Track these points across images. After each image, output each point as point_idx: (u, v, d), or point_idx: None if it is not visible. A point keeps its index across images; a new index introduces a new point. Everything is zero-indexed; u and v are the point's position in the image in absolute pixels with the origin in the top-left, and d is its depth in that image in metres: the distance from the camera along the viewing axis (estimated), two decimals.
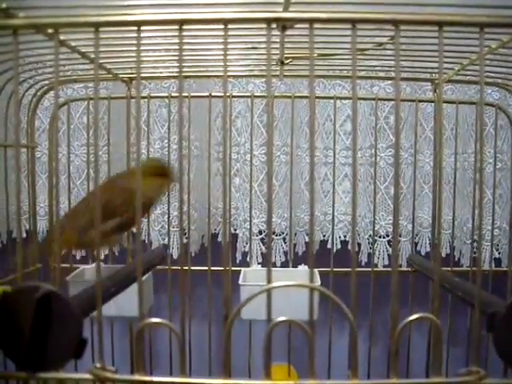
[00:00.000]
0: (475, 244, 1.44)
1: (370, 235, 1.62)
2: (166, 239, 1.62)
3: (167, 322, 0.67)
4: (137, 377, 0.67)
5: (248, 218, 1.48)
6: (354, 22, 0.65)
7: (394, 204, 0.72)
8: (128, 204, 1.14)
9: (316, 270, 1.29)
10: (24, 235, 1.44)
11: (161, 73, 1.27)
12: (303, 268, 1.37)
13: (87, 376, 0.68)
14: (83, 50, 0.98)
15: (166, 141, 1.54)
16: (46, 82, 1.24)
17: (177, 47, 0.69)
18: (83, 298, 0.77)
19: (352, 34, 0.67)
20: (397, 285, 0.67)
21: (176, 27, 0.67)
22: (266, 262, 0.69)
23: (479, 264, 0.76)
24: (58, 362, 0.67)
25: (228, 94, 1.38)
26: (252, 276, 1.30)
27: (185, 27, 0.67)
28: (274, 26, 0.71)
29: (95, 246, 0.73)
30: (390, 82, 1.61)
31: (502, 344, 0.67)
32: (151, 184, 1.16)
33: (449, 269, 1.37)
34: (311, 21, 0.66)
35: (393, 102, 1.62)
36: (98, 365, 0.68)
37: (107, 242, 1.20)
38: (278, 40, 0.93)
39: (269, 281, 0.66)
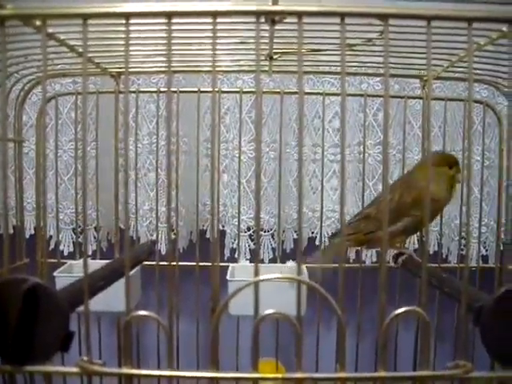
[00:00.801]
0: (463, 241, 1.44)
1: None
2: (155, 235, 1.62)
3: (154, 315, 0.66)
4: (124, 370, 0.66)
5: (236, 215, 1.48)
6: (342, 16, 0.65)
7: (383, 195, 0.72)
8: (418, 204, 1.17)
9: (304, 266, 1.29)
10: (11, 231, 1.43)
11: (149, 67, 1.27)
12: (291, 264, 1.37)
13: (74, 369, 0.68)
14: (72, 44, 0.98)
15: (155, 137, 1.53)
16: (34, 76, 1.23)
17: (166, 41, 0.68)
18: (70, 292, 0.77)
19: (341, 27, 0.67)
20: (385, 277, 0.67)
21: (164, 20, 0.67)
22: (254, 256, 0.69)
23: (467, 254, 0.76)
24: (45, 355, 0.67)
25: (217, 90, 1.38)
26: (240, 272, 1.30)
27: (173, 21, 0.67)
28: (262, 19, 0.71)
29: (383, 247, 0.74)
30: (378, 79, 1.62)
31: (488, 337, 0.67)
32: (441, 184, 1.19)
33: (436, 265, 1.37)
34: (300, 14, 0.65)
35: (381, 99, 1.62)
36: (85, 358, 0.68)
37: (394, 242, 1.23)
38: (267, 35, 0.93)
39: (256, 274, 0.66)
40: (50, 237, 1.66)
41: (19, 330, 0.65)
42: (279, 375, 0.67)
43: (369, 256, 1.66)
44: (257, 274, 0.66)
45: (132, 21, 0.68)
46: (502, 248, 1.35)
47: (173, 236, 1.52)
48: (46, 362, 0.68)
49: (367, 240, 1.24)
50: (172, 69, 0.74)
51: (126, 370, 0.66)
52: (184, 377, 0.68)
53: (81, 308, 0.72)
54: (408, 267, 1.24)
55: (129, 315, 0.66)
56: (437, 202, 1.18)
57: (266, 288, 0.67)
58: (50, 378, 1.03)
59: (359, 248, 1.36)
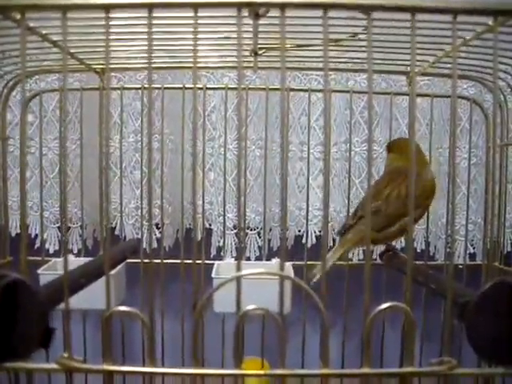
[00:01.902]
0: (450, 239, 1.44)
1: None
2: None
3: (134, 310, 0.66)
4: (105, 366, 0.65)
5: (222, 213, 1.47)
6: (325, 7, 0.65)
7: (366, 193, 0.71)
8: (427, 192, 1.21)
9: (289, 264, 1.29)
10: None
11: (133, 64, 1.26)
12: (276, 261, 1.37)
13: (54, 366, 0.67)
14: (54, 39, 0.97)
15: (140, 134, 1.52)
16: (18, 71, 1.22)
17: (147, 36, 0.67)
18: (51, 288, 0.76)
19: (323, 21, 0.66)
20: (369, 272, 0.66)
21: (145, 13, 0.66)
22: (238, 252, 0.68)
23: (452, 247, 0.76)
24: (25, 351, 0.66)
25: (201, 86, 1.37)
26: (225, 269, 1.30)
27: (155, 14, 0.66)
28: (245, 13, 0.71)
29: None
30: (365, 76, 1.61)
31: (473, 333, 0.66)
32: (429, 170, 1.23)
33: (423, 263, 1.37)
34: (283, 5, 0.65)
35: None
36: (66, 355, 0.67)
37: (401, 235, 1.24)
38: (251, 29, 0.92)
39: (238, 269, 0.65)
40: (36, 235, 1.65)
41: None
42: (262, 372, 0.66)
43: (355, 254, 1.66)
44: (239, 269, 0.65)
45: (113, 14, 0.67)
46: (488, 246, 1.35)
47: (158, 234, 1.52)
48: (26, 358, 0.68)
49: (379, 237, 1.22)
50: (154, 65, 0.74)
51: (106, 367, 0.65)
52: (166, 373, 0.67)
53: (63, 305, 0.71)
54: (393, 264, 1.24)
55: (108, 311, 0.65)
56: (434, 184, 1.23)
57: (250, 286, 0.67)
58: (31, 375, 1.02)
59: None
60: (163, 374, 0.68)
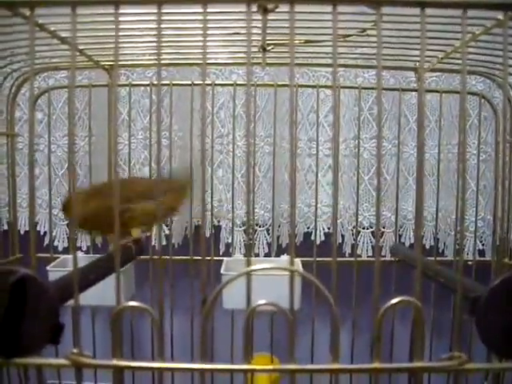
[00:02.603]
0: (459, 235, 1.44)
1: (353, 226, 1.61)
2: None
3: (143, 305, 0.66)
4: (114, 362, 0.65)
5: (231, 210, 1.47)
6: (334, 2, 0.64)
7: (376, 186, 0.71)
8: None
9: (298, 260, 1.29)
10: (5, 227, 1.43)
11: (142, 60, 1.26)
12: (286, 257, 1.36)
13: (64, 361, 0.67)
14: (63, 35, 0.97)
15: (149, 131, 1.52)
16: (27, 68, 1.22)
17: (156, 32, 0.67)
18: (61, 284, 0.76)
19: (333, 15, 0.66)
20: (379, 266, 0.66)
21: (155, 8, 0.66)
22: (247, 248, 0.68)
23: (461, 242, 0.75)
24: (35, 347, 0.66)
25: (210, 82, 1.37)
26: (234, 265, 1.30)
27: (164, 10, 0.66)
28: (254, 8, 0.71)
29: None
30: (373, 72, 1.61)
31: (483, 328, 0.66)
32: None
33: (432, 259, 1.37)
34: (292, 1, 0.64)
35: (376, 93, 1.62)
36: (75, 350, 0.67)
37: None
38: (259, 25, 0.92)
39: (248, 264, 0.65)
40: (45, 233, 1.65)
41: (8, 321, 0.64)
42: (271, 367, 0.66)
43: (364, 250, 1.66)
44: (249, 264, 0.65)
45: (122, 10, 0.67)
46: (497, 242, 1.34)
47: (167, 231, 1.52)
48: (36, 354, 0.68)
49: None
50: (163, 61, 0.74)
51: (115, 362, 0.65)
52: (176, 369, 0.67)
53: (73, 301, 0.71)
54: (404, 259, 1.24)
55: (118, 306, 0.65)
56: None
57: (259, 283, 0.67)
58: (41, 371, 1.02)
59: None
60: (172, 370, 0.67)
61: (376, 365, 0.65)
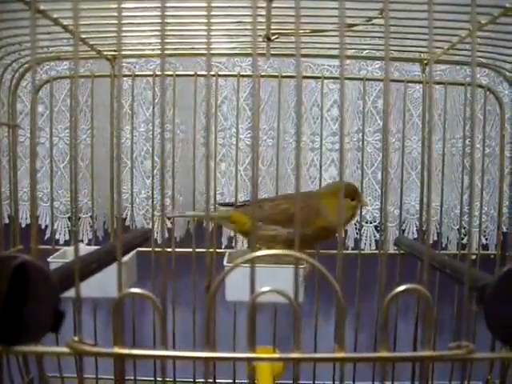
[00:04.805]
0: (462, 230, 1.43)
1: (357, 220, 1.60)
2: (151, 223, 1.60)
3: (146, 292, 0.65)
4: (115, 349, 0.64)
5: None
6: None
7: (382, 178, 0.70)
8: (305, 220, 1.15)
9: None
10: (7, 220, 1.43)
11: (145, 50, 1.26)
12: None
13: (65, 349, 0.66)
14: (65, 23, 0.96)
15: (151, 124, 1.51)
16: (28, 57, 1.22)
17: (160, 21, 0.66)
18: (62, 272, 0.76)
19: (339, 3, 0.65)
20: (385, 255, 0.65)
21: None
22: (250, 235, 0.67)
23: (470, 232, 0.74)
24: (35, 334, 0.65)
25: (214, 73, 1.36)
26: (237, 257, 1.29)
27: None
28: None
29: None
30: (378, 66, 1.60)
31: (491, 317, 0.65)
32: (335, 209, 1.14)
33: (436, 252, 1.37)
34: None
35: (380, 86, 1.61)
36: (76, 338, 0.66)
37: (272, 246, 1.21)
38: (264, 13, 0.91)
39: (252, 250, 0.64)
40: (46, 226, 1.64)
41: (8, 308, 0.63)
42: (276, 355, 0.65)
43: (367, 244, 1.65)
44: (253, 250, 0.65)
45: None
46: (501, 237, 1.34)
47: (169, 224, 1.51)
48: (36, 342, 0.67)
49: (249, 229, 1.23)
50: (167, 51, 0.73)
51: (117, 350, 0.64)
52: (178, 357, 0.66)
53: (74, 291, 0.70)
54: (409, 251, 1.23)
55: (120, 293, 0.64)
56: (332, 231, 1.20)
57: (263, 275, 0.66)
58: (41, 359, 1.01)
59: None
60: (174, 358, 0.66)
61: (383, 353, 0.64)
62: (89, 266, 0.85)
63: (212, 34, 1.11)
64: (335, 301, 0.63)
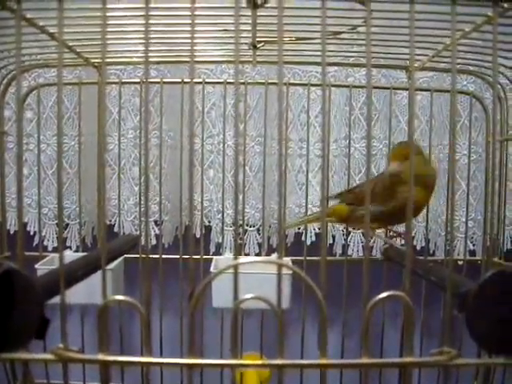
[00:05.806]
0: (449, 236, 1.44)
1: (344, 227, 1.61)
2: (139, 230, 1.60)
3: (129, 299, 0.65)
4: (100, 356, 0.65)
5: (221, 210, 1.47)
6: None
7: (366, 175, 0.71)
8: (388, 192, 1.17)
9: (289, 259, 1.29)
10: None
11: (131, 57, 1.26)
12: (275, 256, 1.36)
13: (50, 356, 0.66)
14: (52, 31, 0.96)
15: (139, 131, 1.52)
16: (15, 65, 1.22)
17: (144, 28, 0.67)
18: (47, 279, 0.76)
19: (322, 11, 0.65)
20: (368, 260, 0.66)
21: (143, 3, 0.66)
22: (235, 239, 0.68)
23: (452, 236, 0.75)
24: (21, 341, 0.65)
25: (200, 81, 1.37)
26: (224, 264, 1.29)
27: (152, 5, 0.66)
28: (243, 3, 0.70)
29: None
30: (364, 72, 1.61)
31: (473, 323, 0.66)
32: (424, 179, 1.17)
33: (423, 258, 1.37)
34: None
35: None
36: (61, 345, 0.66)
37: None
38: (249, 21, 0.91)
39: (236, 256, 0.65)
40: (35, 233, 1.64)
41: None
42: (260, 361, 0.66)
43: (355, 251, 1.65)
44: (237, 256, 0.65)
45: (110, 5, 0.67)
46: (488, 243, 1.34)
47: (157, 230, 1.51)
48: (22, 348, 0.67)
49: (348, 215, 1.26)
50: (152, 59, 0.73)
51: (101, 357, 0.64)
52: (164, 363, 0.67)
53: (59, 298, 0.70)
54: (390, 256, 1.24)
55: (105, 299, 0.65)
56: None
57: (248, 281, 0.67)
58: (27, 366, 1.01)
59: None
60: (160, 364, 0.67)
61: (365, 360, 0.64)
62: (74, 273, 0.85)
63: (198, 41, 1.12)
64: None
